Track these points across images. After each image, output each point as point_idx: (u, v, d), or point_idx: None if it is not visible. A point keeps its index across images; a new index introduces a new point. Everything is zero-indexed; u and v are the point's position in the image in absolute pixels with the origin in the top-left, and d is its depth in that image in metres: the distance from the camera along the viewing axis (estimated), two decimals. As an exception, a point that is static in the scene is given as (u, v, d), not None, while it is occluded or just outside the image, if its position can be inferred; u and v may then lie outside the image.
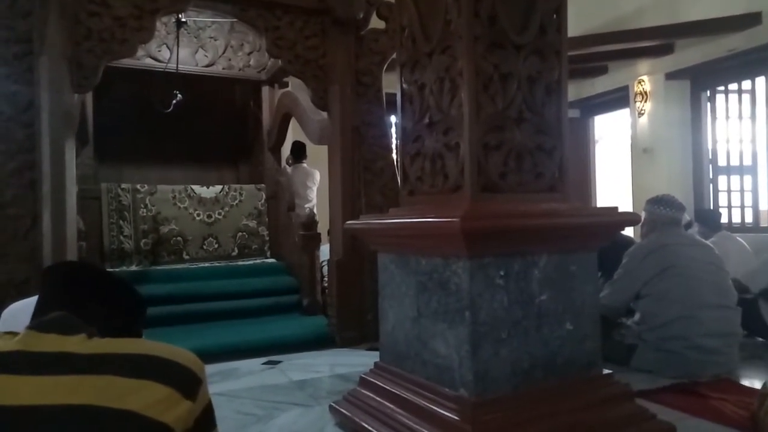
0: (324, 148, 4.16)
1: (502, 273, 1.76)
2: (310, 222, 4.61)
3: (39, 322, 0.87)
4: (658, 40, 5.63)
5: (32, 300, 2.10)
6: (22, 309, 1.99)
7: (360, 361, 3.08)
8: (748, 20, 4.95)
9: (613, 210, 2.03)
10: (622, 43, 5.63)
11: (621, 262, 2.78)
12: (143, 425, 0.77)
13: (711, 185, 5.89)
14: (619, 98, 6.62)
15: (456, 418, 1.68)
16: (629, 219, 2.12)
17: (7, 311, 2.01)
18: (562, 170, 1.99)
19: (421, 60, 2.09)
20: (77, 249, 3.31)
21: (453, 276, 1.77)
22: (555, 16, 2.00)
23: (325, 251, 4.47)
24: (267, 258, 5.20)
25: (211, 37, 5.13)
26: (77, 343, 0.83)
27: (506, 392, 1.74)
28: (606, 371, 1.98)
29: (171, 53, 4.71)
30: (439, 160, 2.00)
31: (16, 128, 3.07)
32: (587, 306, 1.92)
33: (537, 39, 1.94)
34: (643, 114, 6.15)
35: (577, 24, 4.93)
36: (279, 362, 3.19)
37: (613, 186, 7.65)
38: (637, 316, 2.73)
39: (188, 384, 0.84)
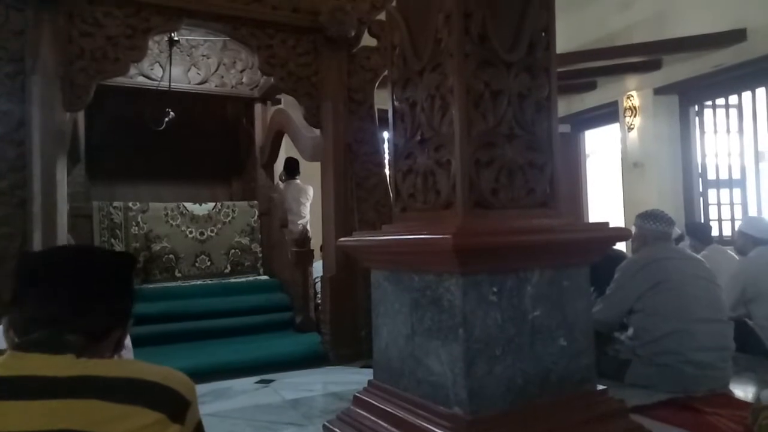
0: (317, 164, 4.17)
1: (495, 289, 1.76)
2: (303, 238, 4.60)
3: (25, 342, 0.85)
4: (646, 56, 5.71)
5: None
6: (11, 330, 1.97)
7: (354, 378, 3.06)
8: (734, 36, 5.04)
9: (605, 225, 2.04)
10: (611, 59, 5.71)
11: (613, 276, 2.79)
12: None
13: (701, 199, 5.93)
14: (609, 113, 6.69)
15: (451, 436, 1.67)
16: (620, 234, 2.13)
17: (-5, 332, 1.98)
18: (554, 186, 2.00)
19: (413, 78, 2.11)
20: (68, 268, 3.28)
21: (446, 293, 1.77)
22: (544, 34, 2.03)
23: (318, 267, 4.45)
24: (260, 275, 5.18)
25: (204, 55, 5.15)
26: (64, 365, 0.81)
27: (501, 410, 1.73)
28: (600, 387, 1.98)
29: (164, 71, 4.73)
30: (431, 177, 2.01)
31: (7, 147, 3.06)
32: (580, 321, 1.92)
33: (527, 57, 1.97)
34: (632, 128, 6.21)
35: (566, 40, 5.00)
36: (272, 381, 3.16)
37: (605, 200, 7.69)
38: (630, 331, 2.73)
39: (176, 407, 0.84)
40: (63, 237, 3.15)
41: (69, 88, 3.17)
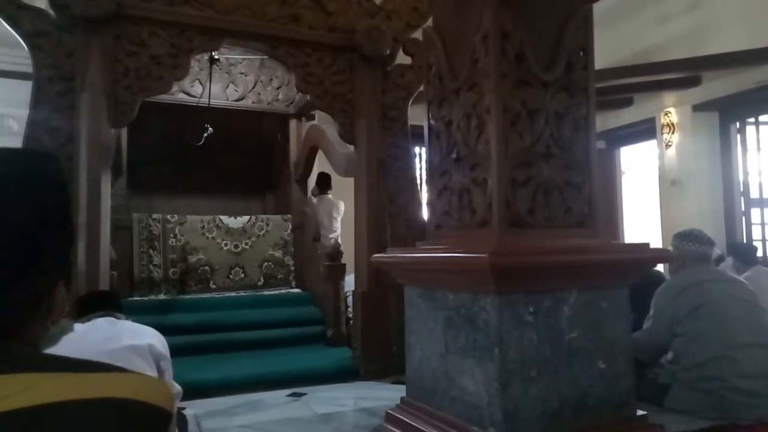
0: (349, 180, 4.21)
1: (531, 309, 1.74)
2: (335, 253, 4.63)
3: None
4: (684, 73, 5.61)
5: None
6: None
7: (385, 395, 3.05)
8: (777, 52, 4.91)
9: (645, 246, 2.00)
10: (648, 75, 5.62)
11: (651, 297, 2.72)
12: None
13: (743, 218, 5.75)
14: (645, 130, 6.57)
15: (485, 458, 1.65)
16: (661, 256, 2.09)
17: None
18: (592, 205, 1.98)
19: (449, 97, 2.13)
20: (109, 278, 3.38)
21: (481, 312, 1.76)
22: (582, 53, 2.03)
23: (349, 282, 4.47)
24: (292, 288, 5.23)
25: (242, 73, 5.29)
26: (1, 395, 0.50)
27: (536, 432, 1.71)
28: (640, 412, 1.93)
29: (203, 88, 4.87)
30: (467, 195, 2.01)
31: (56, 161, 3.19)
32: (620, 344, 1.89)
33: (564, 76, 1.97)
34: (670, 146, 6.08)
35: (602, 56, 4.93)
36: (303, 394, 3.17)
37: (641, 218, 7.53)
38: (670, 355, 2.65)
39: (160, 427, 0.59)
40: (106, 248, 3.26)
41: (115, 105, 3.29)
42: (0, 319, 0.57)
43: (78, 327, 2.11)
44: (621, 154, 7.44)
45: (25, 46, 3.21)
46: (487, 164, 1.89)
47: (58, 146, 3.20)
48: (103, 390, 0.55)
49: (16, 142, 3.47)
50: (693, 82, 5.74)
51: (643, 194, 7.49)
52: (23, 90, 3.62)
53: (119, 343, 2.04)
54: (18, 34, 3.19)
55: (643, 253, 2.00)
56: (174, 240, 4.92)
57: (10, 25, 3.17)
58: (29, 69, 3.30)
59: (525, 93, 1.90)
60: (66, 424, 0.50)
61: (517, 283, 1.74)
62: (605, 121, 6.91)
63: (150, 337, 2.15)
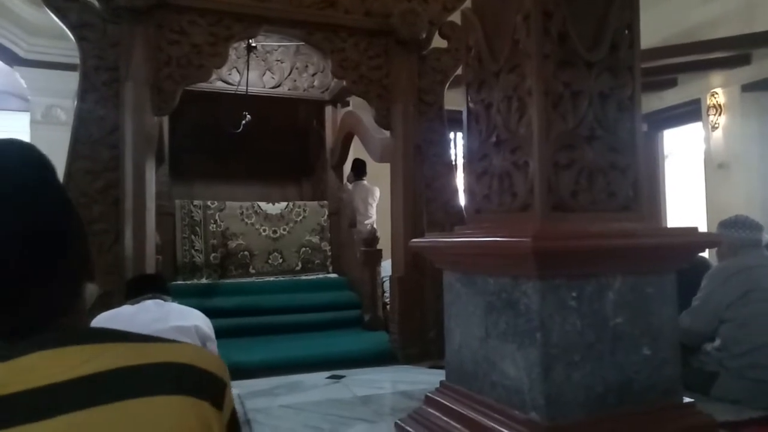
0: (384, 165, 4.22)
1: (574, 294, 1.72)
2: (372, 238, 4.66)
3: (27, 345, 0.56)
4: (733, 51, 5.37)
5: (118, 311, 2.24)
6: (109, 319, 2.13)
7: (422, 378, 3.08)
8: (836, 27, 4.66)
9: (693, 230, 1.95)
10: (694, 54, 5.41)
11: (695, 284, 2.64)
12: None
13: (795, 203, 5.51)
14: (690, 111, 6.34)
15: (527, 441, 1.65)
16: (709, 240, 2.02)
17: (94, 322, 2.15)
18: (637, 189, 1.93)
19: (488, 79, 2.10)
20: (155, 262, 3.49)
21: (523, 297, 1.75)
22: (627, 32, 1.97)
23: (386, 267, 4.50)
24: (329, 273, 5.30)
25: (278, 60, 5.34)
26: (72, 364, 0.56)
27: (579, 418, 1.69)
28: (687, 399, 1.89)
29: (241, 76, 4.94)
30: (507, 179, 1.99)
31: (103, 149, 3.30)
32: (666, 330, 1.84)
33: (609, 56, 1.91)
34: (717, 128, 5.86)
35: (646, 35, 4.75)
36: (342, 377, 3.23)
37: (685, 203, 7.28)
38: (717, 342, 2.58)
39: (216, 392, 0.64)
40: (151, 233, 3.36)
41: (157, 93, 3.38)
42: (60, 302, 0.62)
43: (128, 308, 2.20)
44: (664, 137, 7.21)
45: (72, 38, 3.31)
46: (528, 147, 1.86)
47: (104, 135, 3.31)
48: (161, 356, 0.61)
49: (65, 132, 3.60)
50: (742, 60, 5.50)
51: (688, 179, 7.25)
52: (71, 81, 3.75)
53: (167, 323, 2.12)
54: (65, 26, 3.29)
55: (690, 238, 1.94)
56: (214, 226, 5.04)
57: (58, 18, 3.27)
58: (76, 60, 3.41)
59: (568, 74, 1.86)
60: (128, 386, 0.57)
61: (560, 267, 1.71)
62: (648, 103, 6.68)
63: (196, 318, 2.23)
